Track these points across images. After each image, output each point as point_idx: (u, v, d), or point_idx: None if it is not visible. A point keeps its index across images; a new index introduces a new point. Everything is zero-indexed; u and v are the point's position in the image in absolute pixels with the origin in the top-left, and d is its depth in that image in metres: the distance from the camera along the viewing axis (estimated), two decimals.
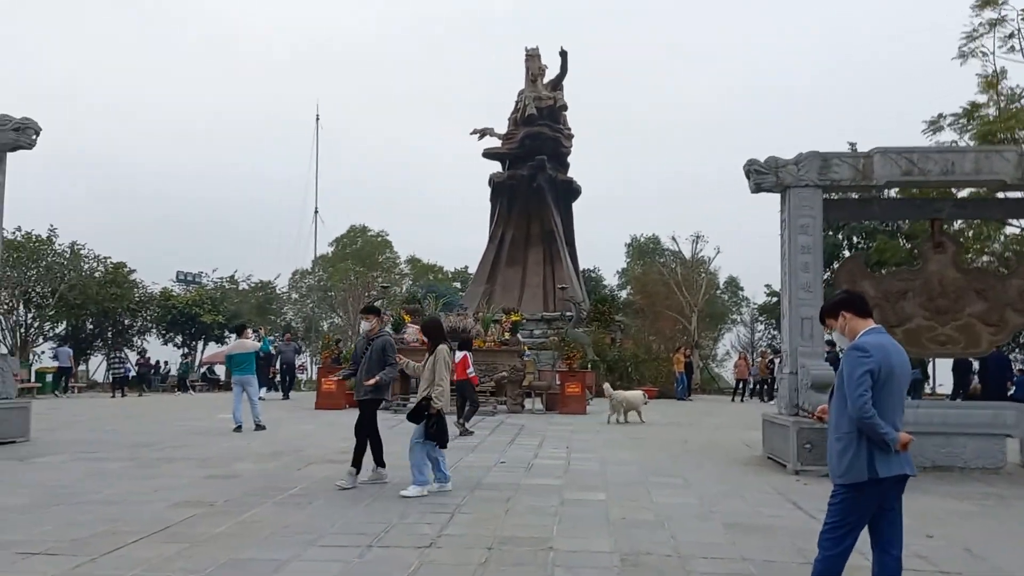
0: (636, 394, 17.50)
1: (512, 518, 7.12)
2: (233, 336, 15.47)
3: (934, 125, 22.19)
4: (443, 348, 8.45)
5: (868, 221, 26.56)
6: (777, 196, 11.72)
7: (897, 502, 4.39)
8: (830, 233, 32.07)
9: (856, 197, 11.94)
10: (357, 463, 8.69)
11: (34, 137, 11.61)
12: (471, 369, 14.71)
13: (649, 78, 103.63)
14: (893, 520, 4.39)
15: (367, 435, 8.77)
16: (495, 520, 7.01)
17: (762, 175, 11.27)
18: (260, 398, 21.13)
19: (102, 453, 10.94)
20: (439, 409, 8.14)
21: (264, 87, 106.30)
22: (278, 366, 23.43)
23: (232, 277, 48.56)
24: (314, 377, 31.24)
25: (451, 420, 12.34)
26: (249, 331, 15.40)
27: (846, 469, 4.29)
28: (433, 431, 8.14)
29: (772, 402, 28.69)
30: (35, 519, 6.82)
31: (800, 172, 11.15)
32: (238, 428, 13.86)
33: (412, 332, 19.34)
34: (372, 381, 8.57)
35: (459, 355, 14.71)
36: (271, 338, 24.64)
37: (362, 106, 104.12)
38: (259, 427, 14.04)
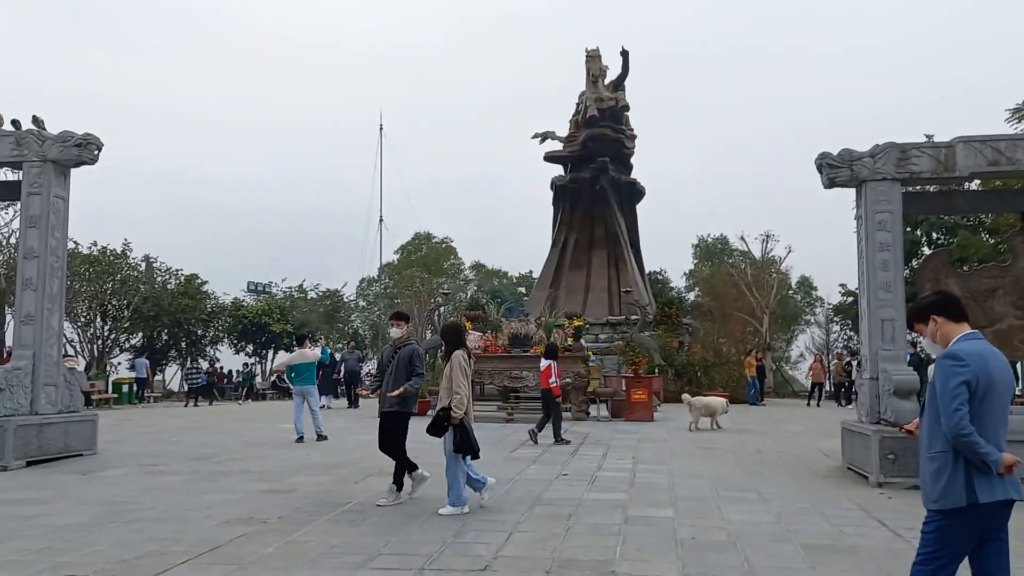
0: (717, 400, 17.21)
1: (573, 538, 6.74)
2: (296, 347, 15.42)
3: (1019, 112, 20.92)
4: (459, 354, 7.98)
5: (950, 216, 25.13)
6: (851, 191, 11.10)
7: (1003, 531, 3.87)
8: (908, 229, 30.83)
9: (936, 190, 11.18)
10: (398, 480, 8.44)
11: (96, 152, 11.73)
12: (554, 379, 14.26)
13: (714, 74, 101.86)
14: (999, 550, 3.87)
15: (399, 449, 8.47)
16: (555, 540, 6.64)
17: (836, 169, 10.65)
18: (327, 407, 21.33)
19: (163, 466, 10.96)
20: (460, 419, 7.74)
21: (329, 94, 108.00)
22: (342, 374, 23.54)
23: (300, 286, 49.42)
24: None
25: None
26: (308, 342, 15.33)
27: (941, 493, 3.80)
28: (458, 442, 7.73)
29: (850, 406, 27.63)
30: (88, 538, 6.73)
31: (876, 165, 10.50)
32: (300, 439, 13.80)
33: (474, 339, 19.10)
34: (397, 392, 8.21)
35: (543, 364, 14.38)
36: (340, 346, 24.77)
37: (423, 112, 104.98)
38: (321, 437, 13.96)
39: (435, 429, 7.84)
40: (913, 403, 9.69)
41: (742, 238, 48.85)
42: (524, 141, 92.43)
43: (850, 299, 46.52)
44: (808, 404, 28.49)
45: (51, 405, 11.41)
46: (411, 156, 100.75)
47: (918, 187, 11.04)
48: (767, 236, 46.91)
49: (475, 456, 7.91)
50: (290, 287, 49.05)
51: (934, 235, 30.34)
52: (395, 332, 8.63)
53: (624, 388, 19.42)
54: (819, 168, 10.90)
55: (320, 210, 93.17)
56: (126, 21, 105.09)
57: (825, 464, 11.48)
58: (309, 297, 49.02)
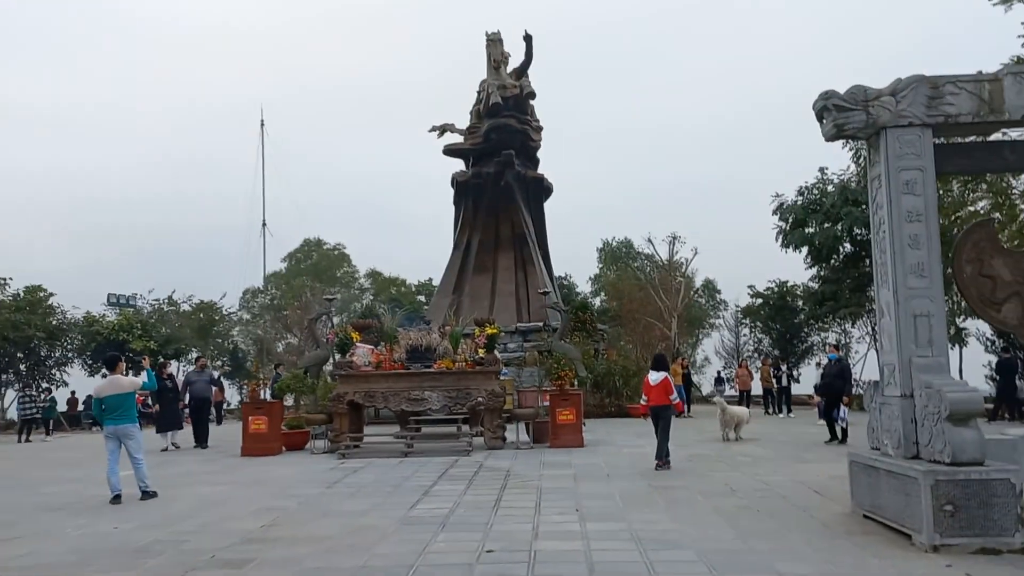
0: (744, 410, 17.35)
1: None
2: (106, 372, 11.56)
3: None
4: None
5: (993, 174, 20.43)
6: (840, 148, 8.39)
7: None
8: (826, 224, 28.93)
9: (975, 141, 8.53)
10: None
11: None
12: (674, 395, 12.45)
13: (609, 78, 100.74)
14: None
15: None
16: None
17: (845, 113, 7.84)
18: (171, 447, 16.96)
19: None
20: None
21: (206, 94, 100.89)
22: (187, 401, 18.13)
23: (170, 298, 44.47)
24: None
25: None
26: (122, 364, 11.57)
27: None
28: None
29: (780, 415, 25.49)
30: None
31: (901, 105, 7.75)
32: (115, 498, 10.05)
33: (363, 353, 15.65)
34: None
35: (656, 377, 12.23)
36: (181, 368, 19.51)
37: (307, 117, 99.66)
38: (147, 495, 10.27)
39: None
40: (976, 432, 6.95)
41: (649, 240, 46.89)
42: (421, 142, 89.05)
43: (759, 300, 45.36)
44: None
45: None
46: (297, 163, 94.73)
47: (951, 138, 8.40)
48: (674, 237, 45.20)
49: None
50: (158, 299, 44.12)
51: (856, 231, 28.53)
52: None
53: (543, 403, 16.40)
54: (820, 114, 8.11)
55: (199, 219, 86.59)
56: None
57: (829, 510, 8.64)
58: (181, 310, 44.18)
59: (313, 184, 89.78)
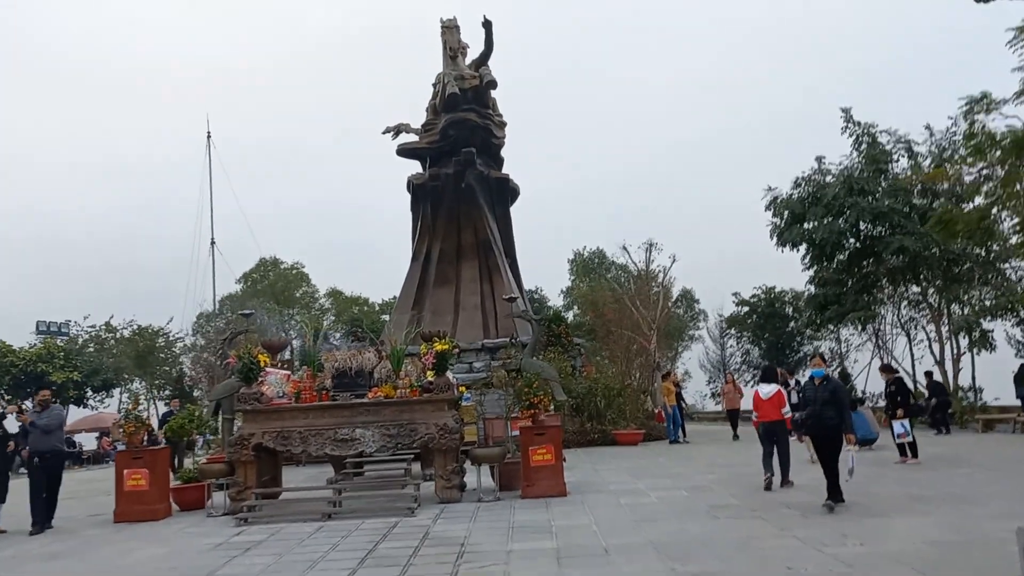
0: None
1: None
2: None
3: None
4: None
5: None
6: None
7: None
8: (829, 218, 25.90)
9: None
10: None
11: None
12: (787, 408, 11.63)
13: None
14: None
15: None
16: None
17: None
18: None
19: None
20: None
21: (157, 125, 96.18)
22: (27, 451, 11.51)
23: (108, 324, 40.47)
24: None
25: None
26: None
27: None
28: None
29: (792, 437, 22.03)
30: None
31: None
32: None
33: (276, 381, 12.02)
34: None
35: (767, 390, 11.53)
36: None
37: (263, 139, 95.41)
38: None
39: None
40: None
41: (624, 248, 43.32)
42: (376, 157, 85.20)
43: (745, 309, 42.24)
44: (736, 437, 22.62)
45: None
46: (253, 185, 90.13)
47: None
48: (651, 244, 41.71)
49: None
50: (93, 326, 40.11)
51: (862, 225, 25.47)
52: None
53: (513, 432, 12.95)
54: None
55: (150, 242, 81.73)
56: None
57: None
58: (119, 336, 40.21)
59: (268, 204, 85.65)
